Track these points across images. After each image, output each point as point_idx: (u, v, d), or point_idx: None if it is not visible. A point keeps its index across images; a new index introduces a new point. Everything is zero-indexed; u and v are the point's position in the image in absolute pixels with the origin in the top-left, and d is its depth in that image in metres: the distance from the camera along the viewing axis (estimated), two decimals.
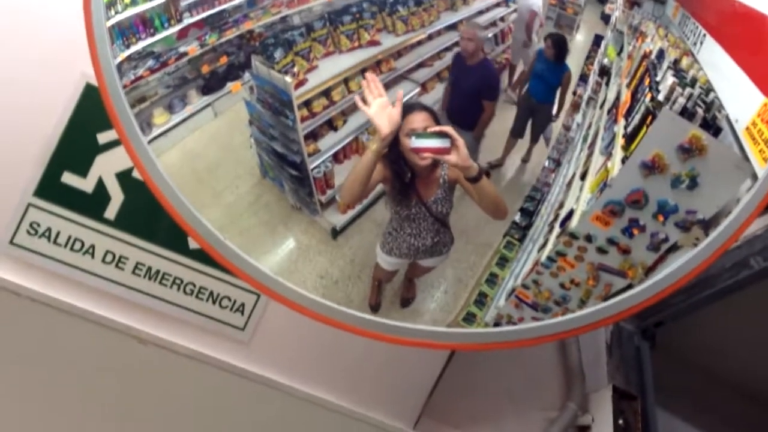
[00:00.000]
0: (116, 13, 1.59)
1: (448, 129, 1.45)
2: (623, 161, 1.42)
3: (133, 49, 1.67)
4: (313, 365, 2.08)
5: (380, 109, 1.47)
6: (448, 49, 1.82)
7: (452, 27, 1.83)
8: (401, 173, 1.58)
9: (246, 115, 1.75)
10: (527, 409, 2.37)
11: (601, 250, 1.47)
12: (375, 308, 1.79)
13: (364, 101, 1.47)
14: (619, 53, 1.75)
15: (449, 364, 2.13)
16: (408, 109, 1.53)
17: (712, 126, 1.36)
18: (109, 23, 1.49)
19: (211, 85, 1.75)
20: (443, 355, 2.09)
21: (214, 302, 1.96)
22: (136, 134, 1.41)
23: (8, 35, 1.76)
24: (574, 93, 1.81)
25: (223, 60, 1.73)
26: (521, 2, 1.85)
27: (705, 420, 2.75)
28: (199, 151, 1.77)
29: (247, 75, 1.71)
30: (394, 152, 1.54)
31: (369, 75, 1.49)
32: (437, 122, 1.54)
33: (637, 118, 1.47)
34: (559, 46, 1.77)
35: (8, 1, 1.75)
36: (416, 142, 1.46)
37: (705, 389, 2.77)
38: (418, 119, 1.52)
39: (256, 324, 2.00)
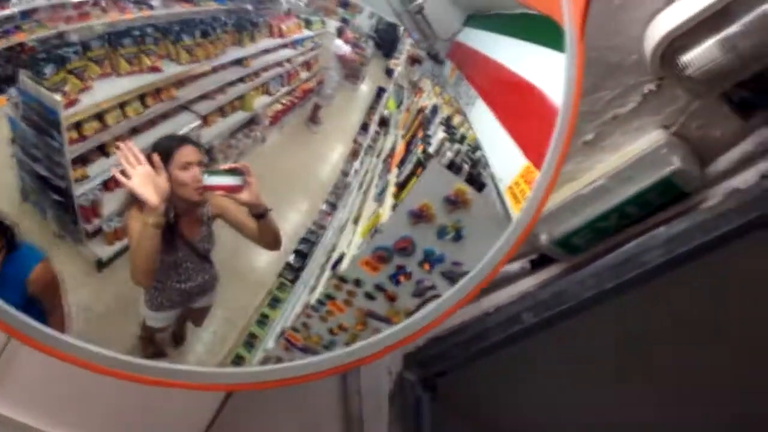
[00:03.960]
0: None
1: (243, 166, 1.41)
2: (394, 208, 1.47)
3: None
4: (71, 408, 1.94)
5: (144, 179, 1.37)
6: (232, 84, 1.82)
7: (238, 62, 1.83)
8: (166, 215, 1.45)
9: (9, 133, 1.63)
10: None
11: (369, 296, 1.49)
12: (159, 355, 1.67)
13: (124, 174, 1.36)
14: (398, 106, 1.84)
15: (223, 410, 2.07)
16: (176, 142, 1.46)
17: (477, 182, 1.45)
18: None
19: None
20: (216, 398, 2.03)
21: None
22: None
23: None
24: (355, 140, 1.88)
25: None
26: (326, 50, 1.90)
27: None
28: None
29: (13, 90, 1.59)
30: None
31: (122, 144, 1.38)
32: (207, 155, 1.51)
33: (409, 167, 1.52)
34: None
35: None
36: (208, 180, 1.40)
37: None
38: (190, 152, 1.45)
39: (6, 363, 1.84)
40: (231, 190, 1.40)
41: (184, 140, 1.48)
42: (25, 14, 1.57)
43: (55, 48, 1.57)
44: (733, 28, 1.55)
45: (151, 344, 1.66)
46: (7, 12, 1.56)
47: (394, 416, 2.46)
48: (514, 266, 2.26)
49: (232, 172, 1.41)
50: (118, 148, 1.38)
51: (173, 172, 1.41)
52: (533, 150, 1.35)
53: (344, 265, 1.49)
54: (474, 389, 2.66)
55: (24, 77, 1.53)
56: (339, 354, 1.35)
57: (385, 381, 2.53)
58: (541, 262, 2.24)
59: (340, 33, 1.84)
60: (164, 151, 1.42)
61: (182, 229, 1.51)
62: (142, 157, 1.36)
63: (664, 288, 2.02)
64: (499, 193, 1.37)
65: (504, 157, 1.41)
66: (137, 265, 1.45)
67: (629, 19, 1.69)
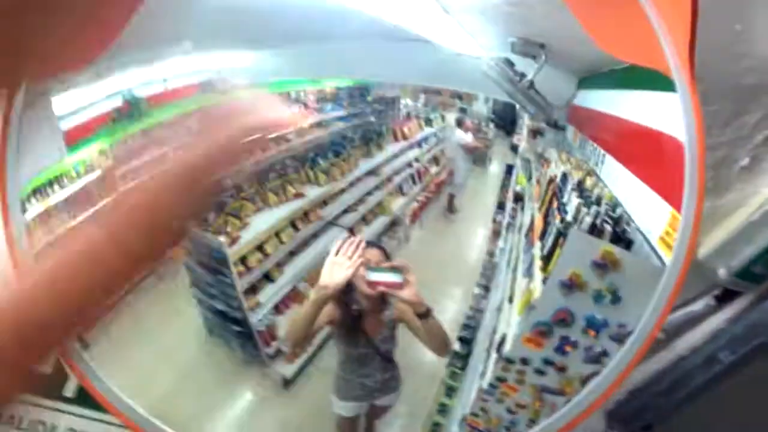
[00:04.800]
0: (61, 188, 1.70)
1: (402, 263, 1.52)
2: (544, 282, 1.48)
3: (79, 219, 1.75)
4: None
5: (331, 264, 1.53)
6: (369, 193, 1.93)
7: (371, 172, 1.94)
8: (350, 310, 1.62)
9: (188, 278, 1.83)
10: None
11: (540, 372, 1.48)
12: None
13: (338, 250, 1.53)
14: (529, 179, 1.85)
15: None
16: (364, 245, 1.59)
17: (623, 240, 1.43)
18: (38, 209, 1.60)
19: None
20: None
21: None
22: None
23: None
24: (494, 220, 1.91)
25: None
26: (450, 142, 1.98)
27: None
28: (148, 316, 1.82)
29: (185, 240, 1.79)
30: (346, 286, 1.56)
31: (356, 239, 1.55)
32: (388, 258, 1.60)
33: (550, 239, 1.53)
34: None
35: None
36: (371, 276, 1.51)
37: None
38: (372, 254, 1.58)
39: None
40: (392, 287, 1.50)
41: (369, 244, 1.60)
42: None
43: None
44: None
45: None
46: None
47: None
48: (699, 305, 2.15)
49: (393, 269, 1.52)
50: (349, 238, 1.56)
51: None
52: (675, 196, 1.31)
53: (508, 347, 1.51)
54: None
55: (190, 226, 1.72)
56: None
57: None
58: (725, 296, 2.12)
59: (459, 123, 1.90)
60: None
61: (366, 327, 1.65)
62: (356, 254, 1.53)
63: None
64: (651, 247, 1.34)
65: (647, 208, 1.38)
66: (289, 329, 1.63)
67: (755, 39, 1.62)
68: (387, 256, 1.61)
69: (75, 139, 1.66)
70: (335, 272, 1.52)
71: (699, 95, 1.54)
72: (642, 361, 2.25)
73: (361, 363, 1.70)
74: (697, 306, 2.14)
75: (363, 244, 1.55)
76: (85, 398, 1.71)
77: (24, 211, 1.51)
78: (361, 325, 1.66)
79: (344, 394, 1.74)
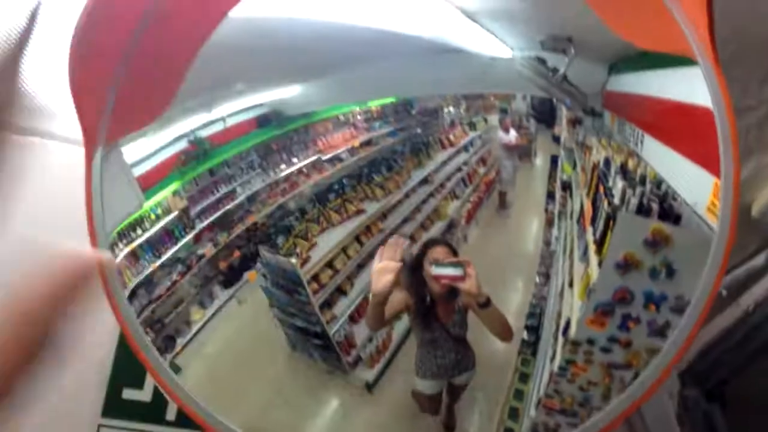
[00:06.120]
0: (143, 231, 1.85)
1: (463, 259, 1.66)
2: (600, 265, 1.54)
3: (164, 258, 1.90)
4: None
5: (379, 270, 1.65)
6: (424, 201, 2.02)
7: (424, 181, 2.03)
8: (423, 299, 1.75)
9: (266, 299, 1.95)
10: None
11: (606, 350, 1.53)
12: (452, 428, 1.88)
13: (381, 256, 1.67)
14: (574, 167, 1.90)
15: None
16: (432, 243, 1.76)
17: (670, 215, 1.48)
18: (125, 251, 1.75)
19: (230, 278, 1.93)
20: None
21: None
22: (157, 360, 1.59)
23: None
24: (546, 210, 1.96)
25: (236, 254, 1.91)
26: (495, 142, 2.05)
27: None
28: (234, 338, 1.96)
29: (259, 264, 1.92)
30: (418, 279, 1.72)
31: (393, 240, 1.73)
32: (455, 253, 1.74)
33: (601, 224, 1.59)
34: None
35: None
36: (435, 270, 1.65)
37: None
38: (440, 251, 1.73)
39: None
40: (454, 280, 1.63)
41: (436, 241, 1.79)
42: (250, 198, 1.89)
43: (279, 219, 1.87)
44: None
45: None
46: (236, 201, 1.90)
47: None
48: (759, 260, 2.16)
49: (455, 264, 1.65)
50: (391, 237, 1.76)
51: (426, 266, 1.71)
52: (716, 165, 1.35)
53: (573, 330, 1.56)
54: (761, 389, 2.50)
55: (263, 251, 1.84)
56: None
57: (669, 405, 2.46)
58: None
59: (501, 123, 1.97)
60: (423, 248, 1.75)
61: (438, 313, 1.79)
62: (398, 257, 1.68)
63: None
64: (700, 218, 1.38)
65: (691, 181, 1.42)
66: (366, 323, 1.82)
67: None
68: (453, 251, 1.75)
69: (149, 184, 1.79)
70: (380, 280, 1.65)
71: (729, 57, 1.57)
72: (708, 320, 2.28)
73: (435, 345, 1.82)
74: (758, 261, 2.15)
75: (403, 242, 1.70)
76: (185, 421, 1.83)
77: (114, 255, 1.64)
78: (434, 312, 1.79)
79: (423, 373, 1.85)
